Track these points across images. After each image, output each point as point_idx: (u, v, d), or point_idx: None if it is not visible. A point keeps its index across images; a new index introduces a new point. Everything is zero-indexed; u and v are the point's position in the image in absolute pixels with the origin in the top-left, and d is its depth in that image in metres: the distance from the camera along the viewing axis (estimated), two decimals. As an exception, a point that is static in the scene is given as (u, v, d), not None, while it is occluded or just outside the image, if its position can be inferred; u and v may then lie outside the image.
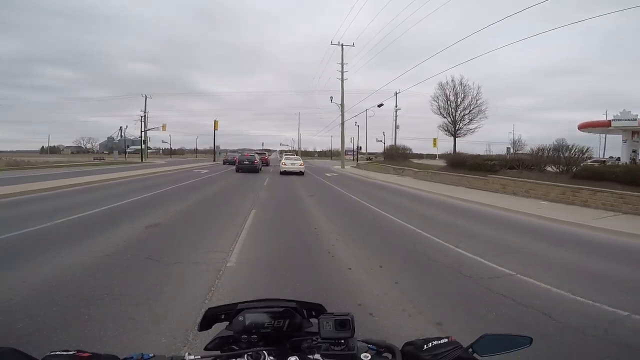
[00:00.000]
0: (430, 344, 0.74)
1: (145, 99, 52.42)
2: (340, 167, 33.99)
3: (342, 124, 34.23)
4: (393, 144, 34.39)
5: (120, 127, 56.69)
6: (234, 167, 23.92)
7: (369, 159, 55.91)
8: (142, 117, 45.66)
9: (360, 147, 52.20)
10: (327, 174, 24.38)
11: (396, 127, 53.37)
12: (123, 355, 0.71)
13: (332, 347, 0.77)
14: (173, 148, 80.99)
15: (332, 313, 0.79)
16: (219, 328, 0.89)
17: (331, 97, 34.21)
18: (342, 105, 34.09)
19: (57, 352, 0.65)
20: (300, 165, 22.67)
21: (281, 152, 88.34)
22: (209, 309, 0.89)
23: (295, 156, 28.21)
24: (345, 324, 0.76)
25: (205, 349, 0.85)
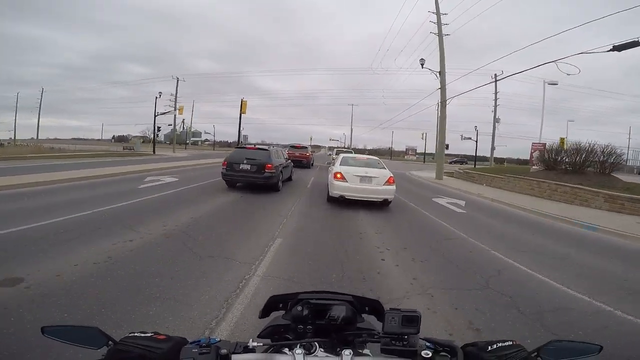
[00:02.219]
0: (495, 345, 0.71)
1: (177, 81, 44.75)
2: (435, 177, 19.13)
3: (443, 102, 19.24)
4: (543, 145, 18.60)
5: (183, 119, 52.21)
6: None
7: (457, 162, 39.36)
8: (156, 100, 35.18)
9: (447, 146, 35.71)
10: (451, 206, 10.37)
11: (496, 119, 37.37)
12: (191, 338, 0.73)
13: (394, 342, 0.74)
14: (219, 140, 77.07)
15: (399, 309, 0.78)
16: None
17: (421, 60, 19.45)
18: (441, 72, 19.20)
19: (136, 333, 0.68)
20: (388, 182, 8.09)
21: (331, 148, 74.68)
22: (272, 296, 0.96)
23: (370, 157, 10.69)
24: (413, 320, 0.75)
25: (259, 336, 0.90)
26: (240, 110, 27.75)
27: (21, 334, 2.16)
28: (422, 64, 19.45)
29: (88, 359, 0.68)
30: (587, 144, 14.29)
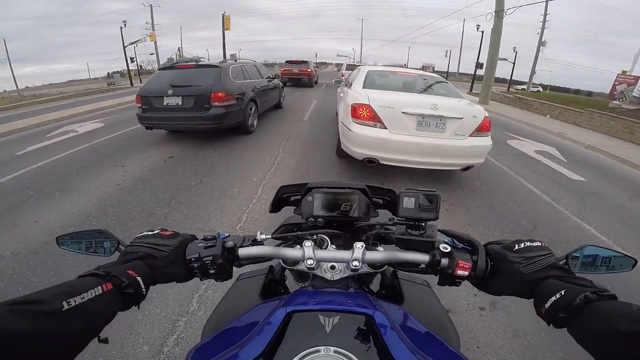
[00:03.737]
0: (523, 244, 0.60)
1: (151, 8, 39.05)
2: (479, 101, 14.38)
3: (499, 12, 13.06)
4: (635, 79, 13.28)
5: (179, 48, 46.29)
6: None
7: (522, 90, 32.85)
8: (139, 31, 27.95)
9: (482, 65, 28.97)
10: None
11: (542, 42, 30.82)
12: (200, 235, 0.68)
13: (409, 230, 0.65)
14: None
15: (416, 189, 0.67)
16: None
17: None
18: None
19: (144, 233, 0.65)
20: (481, 128, 3.52)
21: (338, 65, 65.59)
22: (281, 187, 0.89)
23: (426, 74, 5.01)
24: (432, 200, 0.64)
25: (272, 236, 0.81)
26: (223, 26, 22.01)
27: None
28: None
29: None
30: None
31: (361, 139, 3.45)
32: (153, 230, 0.65)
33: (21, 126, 7.78)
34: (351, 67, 17.57)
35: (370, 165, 3.62)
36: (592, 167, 6.02)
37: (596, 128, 10.91)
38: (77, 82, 71.00)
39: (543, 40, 29.74)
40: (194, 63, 5.56)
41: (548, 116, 12.87)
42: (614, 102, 13.60)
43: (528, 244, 0.60)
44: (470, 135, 3.52)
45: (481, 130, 3.55)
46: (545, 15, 28.17)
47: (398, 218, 0.67)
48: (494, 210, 3.54)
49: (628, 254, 0.62)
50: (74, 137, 6.31)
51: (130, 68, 30.04)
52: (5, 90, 44.93)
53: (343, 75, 15.92)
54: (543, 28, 28.83)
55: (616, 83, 13.87)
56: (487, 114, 3.62)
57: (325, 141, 5.32)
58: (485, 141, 3.61)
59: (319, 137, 5.62)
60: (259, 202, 3.24)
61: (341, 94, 5.13)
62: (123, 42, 28.48)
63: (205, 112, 4.90)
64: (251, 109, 5.86)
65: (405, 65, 65.58)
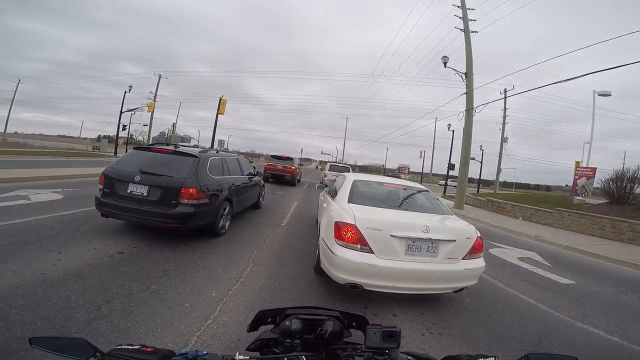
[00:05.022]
0: None
1: (159, 78, 40.52)
2: (454, 206, 14.88)
3: (469, 110, 14.90)
4: (592, 170, 14.51)
5: (173, 123, 49.10)
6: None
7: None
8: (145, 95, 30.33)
9: (456, 165, 30.81)
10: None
11: (503, 138, 34.01)
12: (179, 351, 0.73)
13: (376, 356, 0.76)
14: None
15: (380, 324, 0.79)
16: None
17: (444, 58, 15.31)
18: (468, 74, 15.27)
19: (123, 346, 0.69)
20: (473, 250, 3.29)
21: (322, 162, 69.51)
22: (260, 311, 0.95)
23: (409, 184, 4.78)
24: (393, 335, 0.76)
25: (247, 349, 0.91)
26: (218, 110, 23.10)
27: None
28: (445, 63, 15.41)
29: None
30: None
31: (344, 263, 3.05)
32: (133, 345, 0.70)
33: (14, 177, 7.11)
34: (334, 168, 18.29)
35: (352, 290, 3.23)
36: (577, 268, 5.96)
37: (568, 227, 11.24)
38: (66, 138, 72.37)
39: (505, 136, 31.52)
40: (171, 148, 5.03)
41: (520, 218, 13.32)
42: (577, 197, 14.32)
43: (482, 359, 0.68)
44: (463, 258, 3.24)
45: (474, 252, 3.30)
46: (505, 110, 30.63)
47: (366, 348, 0.76)
48: (492, 328, 3.15)
49: (566, 355, 0.69)
50: (22, 205, 5.67)
51: (120, 135, 30.08)
52: (15, 132, 43.58)
53: (326, 176, 16.43)
54: (504, 123, 30.90)
55: (576, 177, 14.81)
56: (479, 234, 3.45)
57: (303, 254, 4.87)
58: (479, 263, 3.36)
59: (297, 248, 5.17)
60: (214, 324, 2.65)
61: (324, 204, 4.84)
62: (122, 107, 29.07)
63: (170, 209, 4.32)
64: (225, 209, 5.35)
65: (383, 166, 70.45)
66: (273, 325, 0.93)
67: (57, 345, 0.66)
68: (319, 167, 64.64)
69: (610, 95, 15.59)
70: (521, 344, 2.88)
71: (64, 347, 0.66)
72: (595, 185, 13.92)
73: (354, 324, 0.94)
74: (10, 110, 48.29)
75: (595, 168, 14.40)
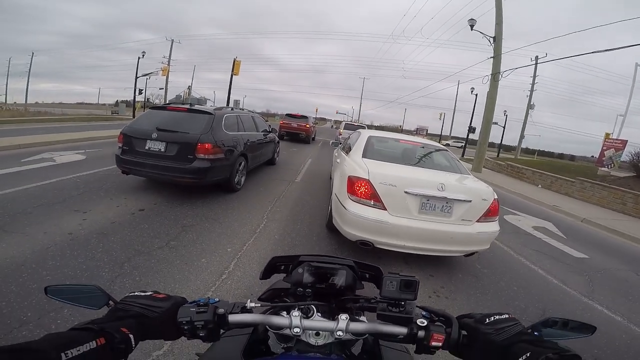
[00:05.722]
0: (493, 318, 0.69)
1: (172, 43, 39.50)
2: (472, 168, 14.59)
3: (496, 75, 13.93)
4: (623, 143, 13.69)
5: (189, 86, 46.25)
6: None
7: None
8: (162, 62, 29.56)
9: (474, 130, 29.57)
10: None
11: (530, 105, 32.14)
12: (192, 298, 0.73)
13: (390, 307, 0.73)
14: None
15: (398, 273, 0.75)
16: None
17: (471, 21, 13.95)
18: (496, 38, 14.01)
19: (136, 293, 0.69)
20: (489, 212, 3.22)
21: (337, 122, 68.16)
22: (273, 257, 0.94)
23: (428, 143, 4.64)
24: (410, 285, 0.72)
25: (259, 299, 0.89)
26: (232, 70, 22.50)
27: None
28: (471, 26, 14.17)
29: (90, 316, 0.62)
30: None
31: (356, 219, 3.01)
32: (145, 292, 0.70)
33: (2, 145, 7.38)
34: (349, 127, 17.91)
35: (363, 247, 3.26)
36: (592, 243, 5.86)
37: (588, 199, 10.92)
38: (85, 105, 73.21)
39: (532, 103, 30.15)
40: (187, 106, 5.05)
41: (540, 186, 12.97)
42: (602, 169, 13.75)
43: (497, 317, 0.68)
44: (477, 221, 3.16)
45: (489, 214, 3.20)
46: (534, 77, 28.94)
47: (381, 298, 0.73)
48: (499, 296, 3.19)
49: (587, 323, 0.68)
50: (48, 167, 5.90)
51: (137, 99, 30.57)
52: (15, 103, 46.39)
53: (341, 134, 16.16)
54: (532, 90, 29.37)
55: (604, 148, 14.11)
56: (496, 196, 3.34)
57: (316, 210, 4.93)
58: (493, 227, 3.28)
59: (310, 205, 5.24)
60: (229, 279, 2.78)
61: (338, 160, 4.75)
62: (137, 72, 29.26)
63: (187, 164, 4.38)
64: (240, 164, 5.39)
65: (400, 126, 68.55)
66: (285, 274, 0.92)
67: (71, 294, 0.67)
68: (334, 127, 63.43)
69: None
70: (525, 314, 2.92)
71: (78, 295, 0.67)
72: (624, 158, 13.24)
73: (367, 275, 0.92)
74: (28, 82, 49.90)
75: (626, 140, 13.60)
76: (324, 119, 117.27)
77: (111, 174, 5.64)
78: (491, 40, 14.19)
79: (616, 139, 14.48)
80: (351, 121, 39.26)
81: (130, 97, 36.62)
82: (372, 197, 3.05)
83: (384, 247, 3.15)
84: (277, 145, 8.74)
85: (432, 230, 3.04)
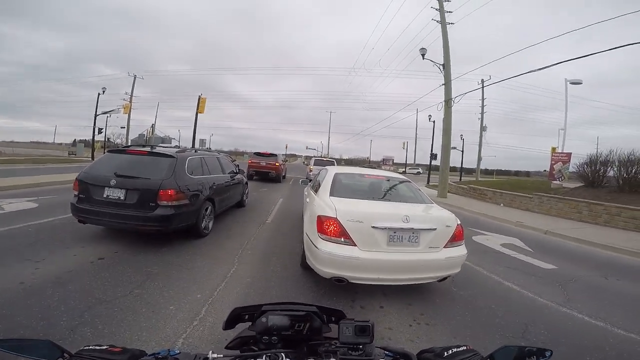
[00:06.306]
0: (451, 351, 0.72)
1: (134, 78, 38.43)
2: (438, 195, 15.16)
3: (448, 101, 15.08)
4: (567, 156, 15.02)
5: (152, 124, 45.88)
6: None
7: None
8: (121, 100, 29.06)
9: (436, 156, 31.28)
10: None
11: (483, 127, 34.78)
12: (150, 351, 0.72)
13: (350, 352, 0.75)
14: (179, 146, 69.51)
15: (353, 319, 0.79)
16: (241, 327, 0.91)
17: (422, 50, 15.34)
18: (445, 65, 15.40)
19: (91, 346, 0.68)
20: (454, 238, 3.32)
21: (307, 158, 69.25)
22: (235, 308, 0.93)
23: (391, 175, 4.74)
24: (365, 329, 0.76)
25: (227, 347, 0.90)
26: (198, 108, 22.66)
27: None
28: (423, 55, 15.45)
29: None
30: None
31: (328, 257, 3.04)
32: (101, 345, 0.69)
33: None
34: (319, 162, 18.12)
35: (338, 284, 3.20)
36: (557, 253, 6.13)
37: (547, 212, 11.60)
38: (40, 144, 68.87)
39: (484, 125, 32.52)
40: (147, 149, 4.88)
41: (502, 205, 13.66)
42: (555, 182, 14.81)
43: (455, 349, 0.72)
44: (444, 247, 3.26)
45: (455, 239, 3.32)
46: (482, 100, 31.44)
47: (340, 344, 0.76)
48: (478, 316, 3.18)
49: (542, 348, 0.69)
50: None
51: (96, 139, 28.93)
52: None
53: (311, 171, 16.28)
54: (482, 113, 31.79)
55: (552, 162, 15.35)
56: (459, 221, 3.47)
57: (289, 250, 4.80)
58: (461, 250, 3.38)
59: (283, 245, 5.10)
60: (200, 326, 2.60)
61: (307, 199, 4.83)
62: (97, 109, 27.91)
63: (149, 212, 4.17)
64: (207, 209, 5.20)
65: (368, 158, 70.84)
66: (251, 323, 0.91)
67: (23, 347, 0.64)
68: (305, 163, 64.35)
69: (581, 83, 16.17)
70: (508, 331, 2.91)
71: (30, 348, 0.64)
72: (571, 169, 14.41)
73: (333, 318, 0.94)
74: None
75: (570, 153, 14.91)
76: (294, 155, 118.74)
77: (67, 223, 5.25)
78: (441, 67, 15.48)
79: (562, 153, 15.83)
80: (321, 156, 40.02)
81: (89, 136, 34.99)
82: (342, 235, 3.09)
83: (358, 281, 3.14)
84: (246, 187, 8.60)
85: (402, 260, 3.10)
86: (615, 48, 9.85)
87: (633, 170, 10.75)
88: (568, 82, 17.10)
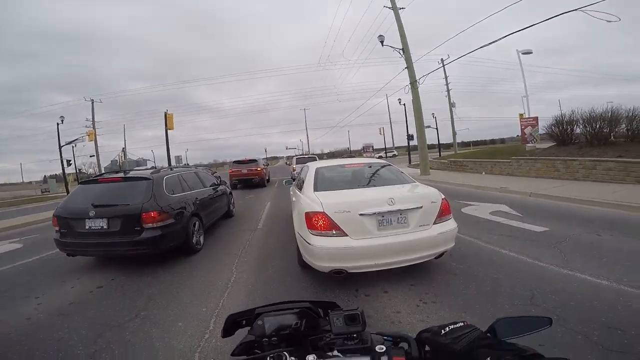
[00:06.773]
0: (448, 328, 0.72)
1: (92, 103, 36.56)
2: (420, 173, 15.40)
3: (413, 83, 15.25)
4: (535, 119, 15.60)
5: (123, 148, 43.81)
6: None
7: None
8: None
9: (412, 137, 31.89)
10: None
11: (451, 103, 35.60)
12: None
13: (346, 342, 0.76)
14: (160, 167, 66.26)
15: (341, 309, 0.80)
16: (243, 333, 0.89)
17: (380, 37, 15.51)
18: (404, 49, 15.55)
19: None
20: (441, 213, 3.34)
21: (289, 158, 68.86)
22: (229, 315, 0.94)
23: (370, 161, 4.88)
24: (354, 318, 0.76)
25: (232, 354, 0.89)
26: (166, 125, 22.01)
27: None
28: (381, 42, 15.60)
29: None
30: (607, 109, 11.17)
31: (322, 251, 3.05)
32: None
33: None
34: (301, 160, 18.02)
35: (338, 276, 3.18)
36: (546, 214, 6.21)
37: (527, 173, 11.98)
38: (8, 185, 64.57)
39: (452, 101, 33.63)
40: (120, 175, 4.83)
41: (483, 173, 14.01)
42: (528, 145, 15.33)
43: (452, 326, 0.72)
44: (434, 223, 3.28)
45: (443, 214, 3.36)
46: (446, 78, 32.44)
47: (334, 335, 0.77)
48: (483, 288, 3.19)
49: (542, 315, 0.71)
50: None
51: (67, 172, 27.61)
52: None
53: (294, 170, 16.18)
54: (448, 90, 32.81)
55: (522, 127, 15.93)
56: (443, 196, 3.49)
57: (284, 252, 4.72)
58: (450, 225, 3.40)
59: (277, 247, 5.01)
60: (212, 338, 2.58)
61: (293, 198, 4.78)
62: (59, 140, 26.48)
63: (136, 236, 4.10)
64: (195, 225, 5.09)
65: (348, 149, 71.18)
66: (249, 328, 0.91)
67: None
68: (288, 163, 63.98)
69: (531, 53, 17.10)
70: (515, 299, 2.90)
71: None
72: (541, 131, 14.94)
73: (329, 311, 0.94)
74: None
75: (537, 117, 15.54)
76: (275, 158, 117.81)
77: (55, 258, 5.13)
78: (401, 52, 15.63)
79: (529, 117, 16.47)
80: (302, 154, 39.81)
81: (58, 171, 33.35)
82: (332, 227, 3.10)
83: (356, 270, 3.16)
84: (231, 196, 8.43)
85: (395, 243, 3.11)
86: (553, 17, 10.33)
87: (597, 126, 11.21)
88: (520, 53, 17.94)
